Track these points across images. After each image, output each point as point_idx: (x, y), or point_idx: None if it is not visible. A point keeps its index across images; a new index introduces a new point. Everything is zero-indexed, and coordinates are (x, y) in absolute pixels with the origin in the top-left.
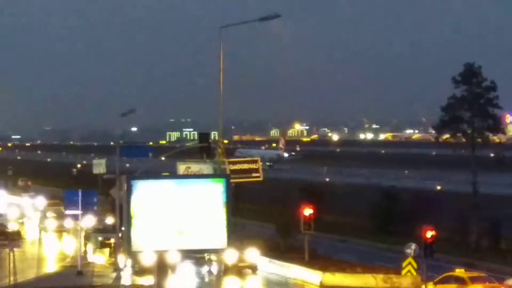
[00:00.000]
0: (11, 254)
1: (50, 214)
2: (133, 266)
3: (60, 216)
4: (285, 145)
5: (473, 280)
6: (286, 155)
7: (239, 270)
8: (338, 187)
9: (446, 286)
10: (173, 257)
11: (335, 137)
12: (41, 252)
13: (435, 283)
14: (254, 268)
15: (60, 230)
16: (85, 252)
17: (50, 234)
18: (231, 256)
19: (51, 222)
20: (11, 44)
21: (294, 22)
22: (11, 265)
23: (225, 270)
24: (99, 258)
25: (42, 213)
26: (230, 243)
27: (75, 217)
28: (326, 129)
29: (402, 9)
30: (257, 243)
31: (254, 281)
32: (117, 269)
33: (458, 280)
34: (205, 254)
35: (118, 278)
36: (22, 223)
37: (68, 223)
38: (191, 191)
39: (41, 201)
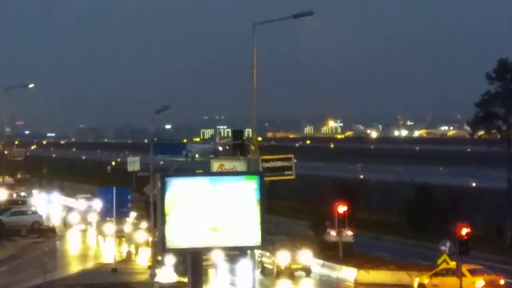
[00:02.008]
0: (47, 251)
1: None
2: (176, 266)
3: (119, 220)
4: (221, 139)
5: (472, 272)
6: (220, 148)
7: (291, 273)
8: (372, 184)
9: (443, 279)
10: (209, 255)
11: (373, 134)
12: (85, 251)
13: (431, 276)
14: (308, 271)
15: (120, 235)
16: (130, 251)
17: (108, 239)
18: (283, 257)
19: (109, 227)
20: (47, 42)
21: (328, 19)
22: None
23: (278, 273)
24: (143, 256)
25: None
26: (264, 241)
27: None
28: (360, 126)
29: (439, 5)
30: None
31: (308, 285)
32: (152, 267)
33: (456, 272)
34: (257, 256)
35: (153, 275)
36: (84, 230)
37: (128, 227)
38: (225, 188)
39: (98, 204)
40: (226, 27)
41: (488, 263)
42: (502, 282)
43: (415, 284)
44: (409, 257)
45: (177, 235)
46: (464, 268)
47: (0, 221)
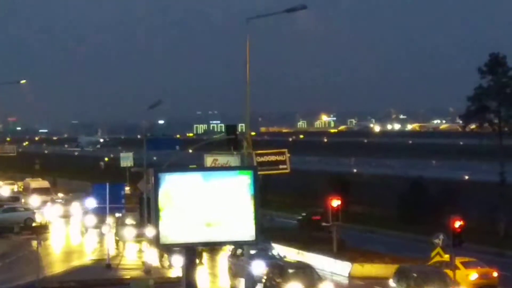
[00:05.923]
0: (39, 247)
1: (130, 221)
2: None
3: (139, 223)
4: (105, 133)
5: (465, 265)
6: (101, 140)
7: None
8: (365, 177)
9: None
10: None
11: (376, 128)
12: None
13: None
14: None
15: (141, 240)
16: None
17: (129, 245)
18: None
19: (130, 231)
20: (39, 39)
21: (321, 13)
22: (40, 258)
23: None
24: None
25: (119, 221)
26: (259, 235)
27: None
28: (353, 120)
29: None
30: (285, 235)
31: None
32: (145, 262)
33: (450, 265)
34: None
35: (148, 271)
36: (102, 234)
37: (150, 231)
38: (218, 183)
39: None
40: (219, 21)
41: (482, 255)
42: (495, 274)
43: None
44: (403, 250)
45: (172, 230)
46: (458, 261)
47: None
